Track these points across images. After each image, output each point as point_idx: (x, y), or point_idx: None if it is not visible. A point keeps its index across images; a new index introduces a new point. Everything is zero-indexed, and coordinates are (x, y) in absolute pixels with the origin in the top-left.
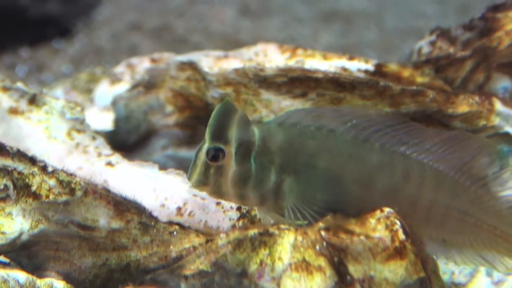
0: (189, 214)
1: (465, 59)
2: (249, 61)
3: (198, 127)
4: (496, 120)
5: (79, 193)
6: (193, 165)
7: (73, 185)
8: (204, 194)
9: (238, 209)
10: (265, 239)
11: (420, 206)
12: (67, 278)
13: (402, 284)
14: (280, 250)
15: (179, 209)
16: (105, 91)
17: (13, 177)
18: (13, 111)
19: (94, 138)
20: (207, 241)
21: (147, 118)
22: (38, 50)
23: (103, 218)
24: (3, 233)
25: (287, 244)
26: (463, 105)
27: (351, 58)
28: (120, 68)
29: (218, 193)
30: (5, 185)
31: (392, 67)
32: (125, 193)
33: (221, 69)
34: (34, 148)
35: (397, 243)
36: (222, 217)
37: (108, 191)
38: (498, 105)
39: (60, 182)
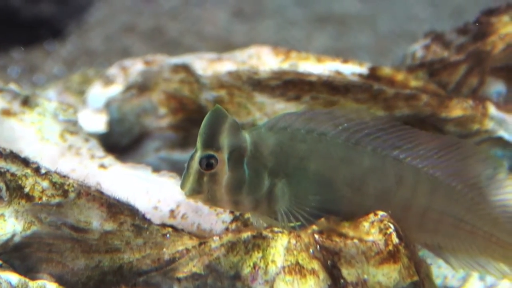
0: (182, 217)
1: (459, 63)
2: (242, 64)
3: (191, 130)
4: (489, 125)
5: (72, 195)
6: (186, 174)
7: (66, 187)
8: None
9: (231, 212)
10: (259, 242)
11: (414, 211)
12: (59, 280)
13: None
14: (273, 253)
15: (172, 211)
16: (98, 93)
17: (5, 178)
18: (6, 112)
19: (87, 140)
20: (200, 244)
21: (140, 120)
22: (30, 52)
23: (96, 220)
24: None
25: (280, 247)
26: (457, 109)
27: (345, 61)
28: (113, 70)
29: (212, 200)
30: None
31: (386, 70)
32: (118, 195)
33: (215, 71)
34: (26, 149)
35: (390, 247)
36: (215, 219)
37: (101, 193)
38: (492, 110)
39: (53, 184)
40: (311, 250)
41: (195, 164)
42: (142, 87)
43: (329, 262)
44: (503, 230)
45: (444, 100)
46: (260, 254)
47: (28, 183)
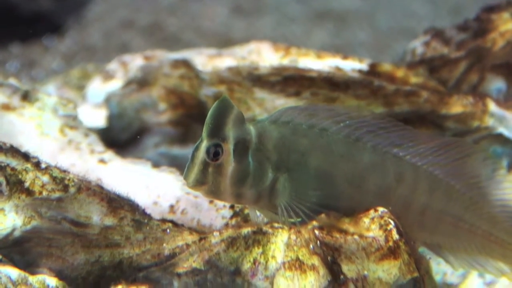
0: (182, 212)
1: (459, 60)
2: (242, 60)
3: (191, 125)
4: (489, 121)
5: (72, 190)
6: (190, 165)
7: (66, 182)
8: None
9: (231, 207)
10: (259, 238)
11: (413, 209)
12: (59, 274)
13: (396, 284)
14: (273, 248)
15: (171, 206)
16: (98, 88)
17: (6, 173)
18: (5, 107)
19: (86, 135)
20: (200, 239)
21: (140, 115)
22: (29, 47)
23: (96, 215)
24: None
25: (280, 243)
26: (457, 106)
27: (345, 57)
28: (112, 65)
29: (214, 192)
30: None
31: (386, 67)
32: (118, 190)
33: (215, 67)
34: (26, 144)
35: (391, 243)
36: (215, 215)
37: (101, 188)
38: (492, 106)
39: (54, 178)
40: (311, 246)
41: (200, 154)
42: (142, 82)
43: (329, 258)
44: (502, 229)
45: (444, 96)
46: (260, 250)
47: (29, 178)
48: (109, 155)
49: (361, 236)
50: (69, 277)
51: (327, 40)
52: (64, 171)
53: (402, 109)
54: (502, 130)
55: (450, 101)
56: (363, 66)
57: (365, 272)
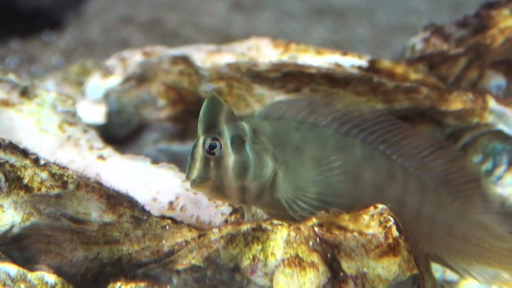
0: (181, 209)
1: (459, 56)
2: (242, 56)
3: (190, 121)
4: (489, 118)
5: (71, 186)
6: (191, 163)
7: (65, 178)
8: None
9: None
10: (258, 234)
11: (407, 211)
12: (58, 271)
13: (395, 281)
14: (273, 245)
15: (171, 203)
16: (97, 84)
17: (4, 169)
18: (4, 103)
19: (85, 131)
20: (199, 236)
21: (139, 111)
22: (28, 42)
23: (95, 212)
24: None
25: (280, 240)
26: (457, 102)
27: (344, 53)
28: (111, 61)
29: (219, 188)
30: None
31: (386, 63)
32: (117, 186)
33: (214, 63)
34: (25, 140)
35: (390, 240)
36: (214, 211)
37: (100, 184)
38: (492, 103)
39: (52, 175)
40: (310, 243)
41: (199, 150)
42: (141, 78)
43: (328, 255)
44: (495, 235)
45: (444, 93)
46: (260, 247)
47: (27, 174)
48: (108, 151)
49: (360, 233)
50: (68, 273)
51: (326, 36)
52: (63, 167)
53: (402, 105)
54: (502, 126)
55: (450, 97)
56: (363, 62)
57: (365, 269)
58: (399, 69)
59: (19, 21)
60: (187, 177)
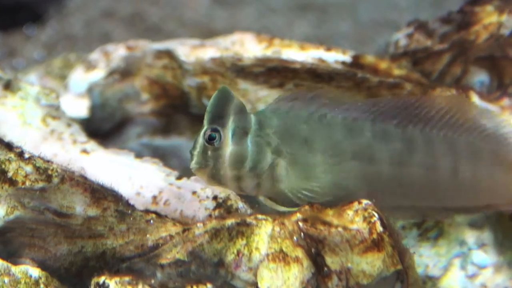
0: (165, 203)
1: (443, 52)
2: (225, 50)
3: (173, 116)
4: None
5: (56, 180)
6: (193, 150)
7: (50, 172)
8: (181, 182)
9: (214, 198)
10: (243, 229)
11: (444, 175)
12: (42, 265)
13: (379, 276)
14: (257, 240)
15: (154, 197)
16: (80, 78)
17: None
18: None
19: (69, 125)
20: (184, 230)
21: (123, 105)
22: (10, 36)
23: (79, 206)
24: None
25: (264, 235)
26: None
27: (328, 49)
28: (95, 55)
29: (216, 176)
30: None
31: (369, 58)
32: (101, 180)
33: (198, 58)
34: (9, 134)
35: (374, 235)
36: (198, 206)
37: (85, 178)
38: (475, 99)
39: (37, 168)
40: (295, 238)
41: (200, 139)
42: (124, 72)
43: (313, 250)
44: None
45: (427, 89)
46: (244, 241)
47: (12, 168)
48: (92, 145)
49: (345, 228)
50: (52, 267)
51: (309, 31)
52: (48, 161)
53: None
54: (485, 122)
55: (433, 93)
56: (347, 58)
57: (349, 265)
58: (383, 65)
59: (1, 14)
60: (190, 162)
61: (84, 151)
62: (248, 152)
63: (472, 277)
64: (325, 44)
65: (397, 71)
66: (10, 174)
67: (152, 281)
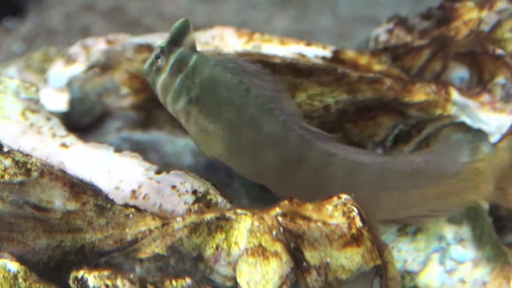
0: (144, 197)
1: (423, 48)
2: (206, 45)
3: (153, 110)
4: (452, 109)
5: (35, 174)
6: (150, 57)
7: (29, 166)
8: (161, 177)
9: (194, 193)
10: (222, 224)
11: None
12: (20, 259)
13: (358, 271)
14: (236, 234)
15: (133, 191)
16: (60, 72)
17: None
18: None
19: (48, 119)
20: (163, 225)
21: (102, 100)
22: None
23: (58, 200)
24: None
25: (243, 229)
26: (420, 94)
27: (308, 44)
28: (75, 49)
29: (153, 88)
30: None
31: (350, 54)
32: (80, 174)
33: None
34: None
35: (354, 230)
36: (177, 200)
37: (64, 172)
38: (455, 95)
39: (16, 162)
40: (274, 233)
41: (154, 51)
42: (104, 66)
43: (292, 244)
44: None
45: (407, 84)
46: (223, 236)
47: None
48: (71, 139)
49: (324, 223)
50: (31, 261)
51: (289, 26)
52: (27, 155)
53: (366, 96)
54: (464, 118)
55: (413, 89)
56: (327, 53)
57: (328, 259)
58: (363, 60)
59: None
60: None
61: (64, 145)
62: (172, 88)
63: (450, 272)
64: (305, 39)
65: (377, 67)
66: None
67: (131, 276)
